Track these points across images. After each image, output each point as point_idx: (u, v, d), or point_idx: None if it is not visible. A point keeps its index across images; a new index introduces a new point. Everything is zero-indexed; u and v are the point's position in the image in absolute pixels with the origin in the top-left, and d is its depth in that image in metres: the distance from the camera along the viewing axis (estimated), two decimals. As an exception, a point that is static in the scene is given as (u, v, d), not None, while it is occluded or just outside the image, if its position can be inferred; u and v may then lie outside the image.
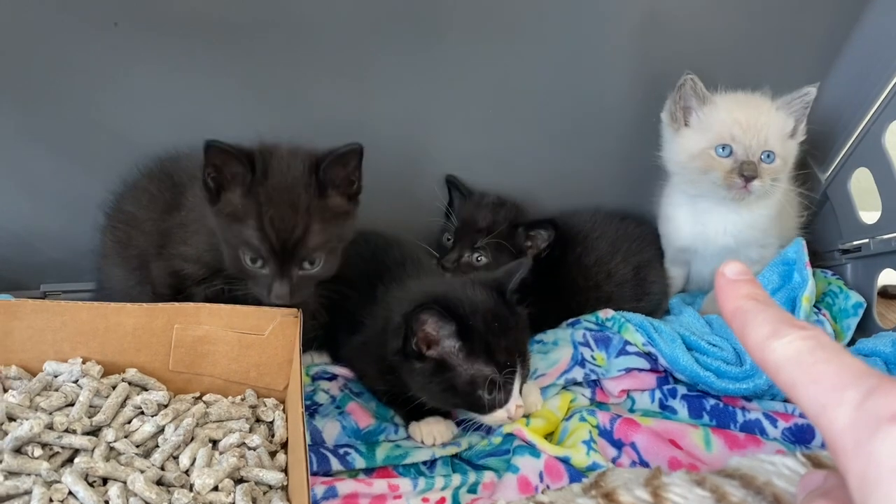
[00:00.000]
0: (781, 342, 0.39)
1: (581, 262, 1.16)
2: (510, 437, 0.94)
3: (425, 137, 1.19)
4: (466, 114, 1.18)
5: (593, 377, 1.05)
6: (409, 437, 0.96)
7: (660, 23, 1.12)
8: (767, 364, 0.40)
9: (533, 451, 0.91)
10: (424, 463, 0.93)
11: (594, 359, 1.06)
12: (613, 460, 0.92)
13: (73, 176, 1.06)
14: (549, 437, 0.96)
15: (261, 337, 0.89)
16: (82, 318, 0.84)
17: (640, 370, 1.05)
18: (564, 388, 1.04)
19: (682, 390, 1.04)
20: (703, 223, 1.15)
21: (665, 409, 1.03)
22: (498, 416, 0.91)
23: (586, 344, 1.07)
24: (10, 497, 0.69)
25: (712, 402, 1.01)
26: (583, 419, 0.96)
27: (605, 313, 1.12)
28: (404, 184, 1.20)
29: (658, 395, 1.04)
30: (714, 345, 1.06)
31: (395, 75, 1.10)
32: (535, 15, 1.08)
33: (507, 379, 0.89)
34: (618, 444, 0.94)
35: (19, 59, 0.96)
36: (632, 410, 1.04)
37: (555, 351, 1.07)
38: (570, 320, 1.13)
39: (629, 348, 1.06)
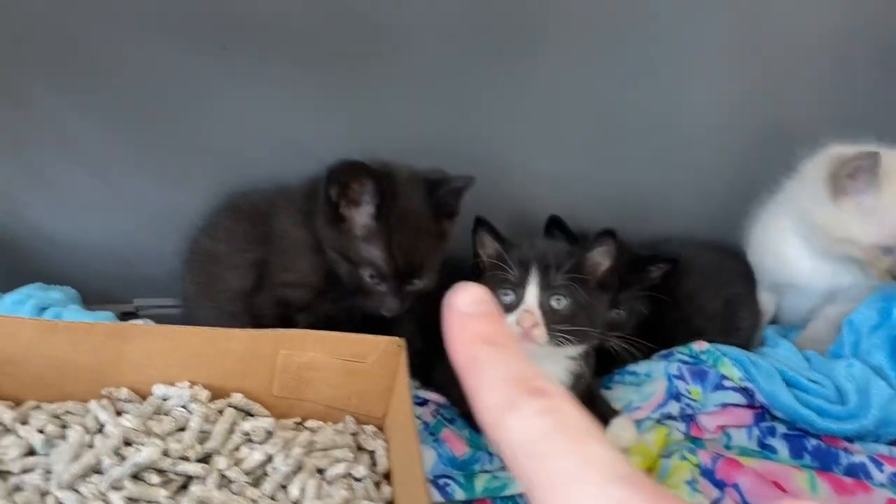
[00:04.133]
0: (515, 419, 0.30)
1: (674, 294, 1.13)
2: (610, 473, 0.93)
3: (509, 156, 1.18)
4: (554, 136, 1.17)
5: (689, 412, 1.03)
6: (504, 468, 0.95)
7: (763, 39, 1.10)
8: (501, 445, 0.30)
9: (635, 489, 0.89)
10: (521, 495, 0.92)
11: (689, 392, 1.04)
12: (716, 501, 0.90)
13: (171, 195, 1.07)
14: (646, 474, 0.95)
15: (363, 364, 0.89)
16: (192, 342, 0.85)
17: (737, 406, 1.03)
18: (658, 422, 1.03)
19: (781, 429, 1.01)
20: (815, 268, 1.11)
21: (764, 448, 1.00)
22: (508, 320, 0.91)
23: (681, 377, 1.05)
24: (131, 525, 0.70)
25: (814, 442, 0.99)
26: (683, 458, 0.94)
27: (700, 345, 1.09)
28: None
29: (756, 432, 1.02)
30: (814, 381, 1.03)
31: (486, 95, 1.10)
32: (627, 32, 1.07)
33: (522, 277, 0.92)
34: (720, 485, 0.92)
35: (129, 80, 0.97)
36: (728, 447, 1.02)
37: (648, 384, 1.05)
38: (663, 352, 1.11)
39: (726, 383, 1.04)
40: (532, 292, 0.92)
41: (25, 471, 0.73)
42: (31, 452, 0.76)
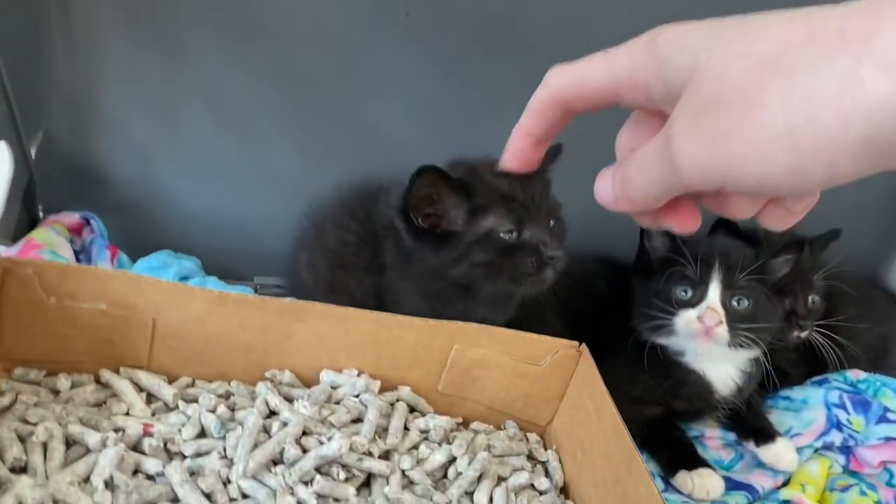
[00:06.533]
0: None
1: (829, 316, 1.07)
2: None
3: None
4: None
5: (850, 443, 0.96)
6: (666, 490, 0.89)
7: None
8: None
9: (816, 523, 0.83)
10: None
11: (850, 423, 0.97)
12: (899, 543, 0.84)
13: (317, 172, 0.96)
14: (814, 506, 0.89)
15: (536, 367, 0.82)
16: (366, 328, 0.78)
17: (900, 441, 0.97)
18: (816, 451, 0.96)
19: (950, 469, 0.95)
20: None
21: (935, 489, 0.94)
22: (688, 315, 0.87)
23: (842, 406, 0.98)
24: (325, 525, 0.63)
25: None
26: (863, 493, 0.88)
27: (856, 374, 1.03)
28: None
29: (923, 471, 0.96)
30: None
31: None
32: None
33: (704, 274, 0.88)
34: (903, 526, 0.86)
35: (296, 45, 0.91)
36: (889, 485, 0.95)
37: (806, 410, 0.99)
38: (816, 378, 1.05)
39: (890, 415, 0.97)
40: (715, 290, 0.88)
41: (200, 454, 0.67)
42: (202, 434, 0.69)
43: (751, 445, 0.93)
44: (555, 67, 0.38)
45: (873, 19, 0.29)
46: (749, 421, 0.95)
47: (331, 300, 0.81)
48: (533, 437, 0.85)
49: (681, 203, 0.38)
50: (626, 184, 0.37)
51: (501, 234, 0.75)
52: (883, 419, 0.97)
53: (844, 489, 0.89)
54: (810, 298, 1.01)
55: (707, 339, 0.87)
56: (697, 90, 0.32)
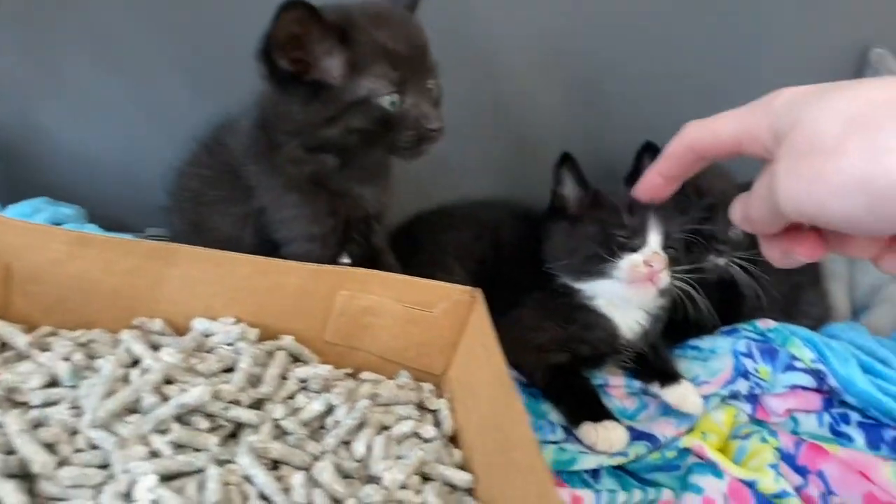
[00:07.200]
0: None
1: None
2: (686, 452, 0.85)
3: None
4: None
5: (756, 391, 0.95)
6: (568, 440, 0.86)
7: None
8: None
9: (715, 470, 0.82)
10: (587, 471, 0.83)
11: (757, 372, 0.96)
12: (798, 489, 0.83)
13: (213, 111, 0.93)
14: (717, 454, 0.87)
15: (428, 314, 0.79)
16: (243, 272, 0.73)
17: (805, 389, 0.96)
18: (723, 400, 0.95)
19: (855, 416, 0.94)
20: None
21: (839, 436, 0.93)
22: (633, 259, 0.88)
23: (749, 355, 0.97)
24: (181, 475, 0.59)
25: (892, 433, 0.92)
26: (764, 440, 0.86)
27: (766, 324, 1.02)
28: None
29: (827, 418, 0.95)
30: (892, 367, 0.97)
31: None
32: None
33: (642, 220, 0.89)
34: (802, 471, 0.85)
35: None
36: (795, 433, 0.94)
37: (714, 359, 0.97)
38: (726, 328, 1.03)
39: (796, 364, 0.96)
40: (655, 237, 0.89)
41: (48, 404, 0.62)
42: (54, 384, 0.64)
43: (655, 387, 0.92)
44: (691, 122, 0.46)
45: None
46: (654, 363, 0.94)
47: (200, 242, 0.75)
48: (427, 386, 0.81)
49: (806, 235, 0.44)
50: (746, 208, 0.45)
51: (381, 101, 0.70)
52: (790, 367, 0.96)
53: (746, 437, 0.88)
54: (732, 231, 0.99)
55: (649, 284, 0.88)
56: (796, 138, 0.39)
